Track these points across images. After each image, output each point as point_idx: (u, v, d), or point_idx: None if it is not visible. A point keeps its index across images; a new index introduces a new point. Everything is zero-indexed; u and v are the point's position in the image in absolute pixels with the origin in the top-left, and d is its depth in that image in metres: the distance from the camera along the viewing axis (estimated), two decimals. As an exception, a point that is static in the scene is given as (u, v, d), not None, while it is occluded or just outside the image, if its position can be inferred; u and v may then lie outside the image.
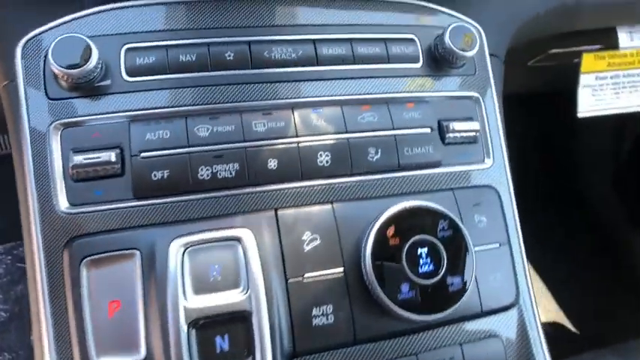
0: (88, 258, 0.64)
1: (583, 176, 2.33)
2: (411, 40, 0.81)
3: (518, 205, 0.81)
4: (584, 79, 1.15)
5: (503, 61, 0.93)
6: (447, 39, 0.77)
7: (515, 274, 0.76)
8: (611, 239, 2.25)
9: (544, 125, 2.34)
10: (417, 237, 0.67)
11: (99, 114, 0.69)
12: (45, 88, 0.69)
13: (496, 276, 0.74)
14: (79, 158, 0.66)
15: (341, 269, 0.68)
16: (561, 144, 2.35)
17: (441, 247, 0.67)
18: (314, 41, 0.76)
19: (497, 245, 0.76)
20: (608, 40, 1.21)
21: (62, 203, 0.66)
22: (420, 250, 0.66)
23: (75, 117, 0.69)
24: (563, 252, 2.24)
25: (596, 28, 1.13)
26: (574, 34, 1.14)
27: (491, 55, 0.87)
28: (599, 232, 2.28)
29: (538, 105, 2.20)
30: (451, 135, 0.78)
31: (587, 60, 1.13)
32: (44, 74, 0.69)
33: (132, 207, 0.67)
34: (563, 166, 2.35)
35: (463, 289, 0.67)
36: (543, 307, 2.16)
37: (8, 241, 2.01)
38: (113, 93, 0.70)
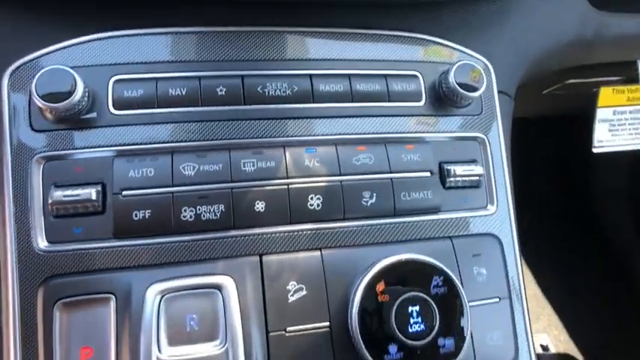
0: (62, 300, 0.62)
1: (597, 200, 2.25)
2: (414, 76, 0.77)
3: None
4: (601, 113, 1.10)
5: (513, 97, 0.88)
6: (451, 78, 0.73)
7: (515, 332, 0.71)
8: (624, 265, 2.17)
9: (559, 147, 2.27)
10: (408, 294, 0.63)
11: (83, 148, 0.67)
12: (29, 119, 0.67)
13: (493, 335, 0.69)
14: (59, 194, 0.63)
15: (326, 324, 0.64)
16: (576, 167, 2.28)
17: (434, 306, 0.63)
18: (310, 76, 0.73)
19: (497, 300, 0.72)
20: (628, 73, 1.15)
21: (40, 241, 0.64)
22: (410, 309, 0.62)
23: (58, 150, 0.66)
24: (575, 277, 2.17)
25: (616, 61, 1.07)
26: (593, 65, 1.08)
27: (500, 92, 0.82)
28: (611, 258, 2.20)
29: (553, 126, 2.14)
30: (452, 179, 0.73)
31: (605, 94, 1.08)
32: (29, 105, 0.67)
33: (110, 247, 0.64)
34: (577, 190, 2.28)
35: (456, 352, 0.63)
36: (554, 337, 2.10)
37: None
38: (99, 126, 0.67)
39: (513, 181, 0.80)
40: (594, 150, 1.10)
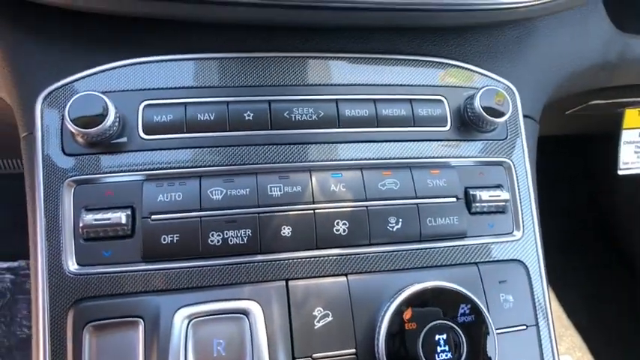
0: (92, 323, 0.63)
1: (623, 220, 2.21)
2: (439, 101, 0.77)
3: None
4: (627, 135, 1.09)
5: (538, 121, 0.88)
6: (477, 103, 0.73)
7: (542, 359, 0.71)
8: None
9: (584, 165, 2.24)
10: (435, 322, 0.62)
11: (113, 172, 0.68)
12: (61, 143, 0.68)
13: (520, 363, 0.68)
14: (89, 218, 0.65)
15: (352, 350, 0.64)
16: (601, 186, 2.24)
17: (461, 334, 0.62)
18: (336, 101, 0.73)
19: (524, 327, 0.71)
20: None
21: (71, 264, 0.65)
22: (437, 337, 0.62)
23: (89, 174, 0.67)
24: (600, 297, 2.13)
25: (640, 83, 1.06)
26: (617, 87, 1.08)
27: (525, 116, 0.82)
28: (638, 279, 2.16)
29: (576, 144, 2.11)
30: (478, 205, 0.73)
31: (631, 116, 1.07)
32: (62, 129, 0.69)
33: (139, 271, 0.65)
34: (603, 209, 2.24)
35: (483, 381, 0.62)
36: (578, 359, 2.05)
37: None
38: (128, 151, 0.68)
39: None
40: (620, 172, 1.09)
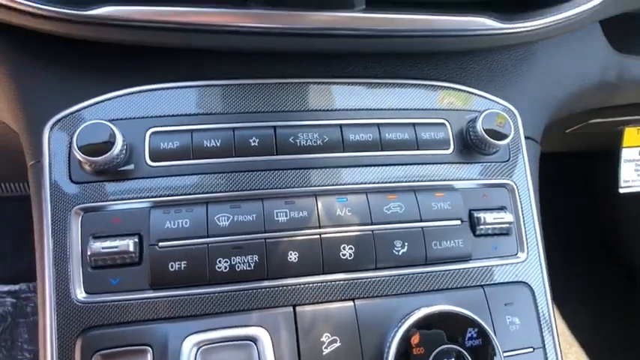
0: (101, 352, 0.63)
1: (625, 236, 2.21)
2: (442, 124, 0.78)
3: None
4: (627, 154, 1.10)
5: (539, 142, 0.89)
6: (479, 126, 0.74)
7: (550, 383, 0.70)
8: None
9: (587, 184, 2.24)
10: (443, 346, 0.62)
11: (120, 199, 0.68)
12: (69, 171, 0.69)
13: (528, 386, 0.68)
14: (97, 246, 0.65)
15: None
16: (602, 203, 2.24)
17: (469, 359, 0.62)
18: (341, 126, 0.74)
19: (531, 350, 0.71)
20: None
21: (79, 292, 0.65)
22: (445, 361, 0.62)
23: (96, 202, 0.68)
24: (604, 314, 2.11)
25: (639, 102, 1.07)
26: (616, 106, 1.09)
27: (526, 138, 0.83)
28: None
29: (580, 161, 2.12)
30: (482, 227, 0.74)
31: (630, 134, 1.08)
32: (69, 157, 0.69)
33: (147, 298, 0.65)
34: (604, 225, 2.23)
35: (492, 405, 0.62)
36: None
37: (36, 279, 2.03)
38: (135, 178, 0.69)
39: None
40: (621, 190, 1.10)
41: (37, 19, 0.64)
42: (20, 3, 0.63)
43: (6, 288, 2.00)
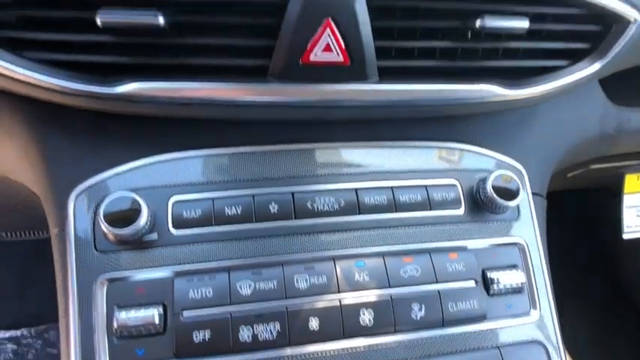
0: None
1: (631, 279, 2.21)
2: (453, 185, 0.81)
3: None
4: (628, 200, 1.13)
5: (545, 196, 0.91)
6: (489, 188, 0.76)
7: None
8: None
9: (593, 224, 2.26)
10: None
11: (144, 267, 0.70)
12: (94, 241, 0.70)
13: None
14: (123, 317, 0.66)
15: None
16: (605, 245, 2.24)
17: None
18: (356, 190, 0.77)
19: (548, 409, 0.72)
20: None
21: (104, 364, 0.66)
22: None
23: (121, 271, 0.69)
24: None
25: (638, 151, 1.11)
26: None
27: (534, 194, 0.86)
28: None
29: (582, 197, 2.13)
30: (496, 287, 0.75)
31: (630, 181, 1.11)
32: (94, 227, 0.71)
33: None
34: (610, 267, 2.23)
35: None
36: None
37: (38, 324, 2.01)
38: (159, 246, 0.71)
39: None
40: (625, 236, 1.12)
41: (64, 95, 0.67)
42: (46, 82, 0.65)
43: (7, 334, 1.98)
